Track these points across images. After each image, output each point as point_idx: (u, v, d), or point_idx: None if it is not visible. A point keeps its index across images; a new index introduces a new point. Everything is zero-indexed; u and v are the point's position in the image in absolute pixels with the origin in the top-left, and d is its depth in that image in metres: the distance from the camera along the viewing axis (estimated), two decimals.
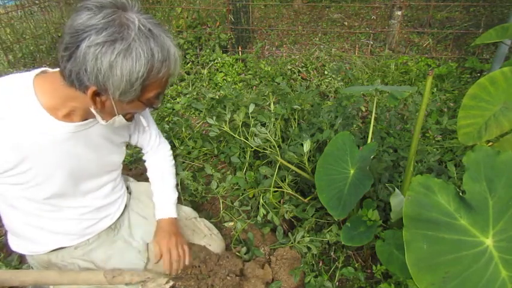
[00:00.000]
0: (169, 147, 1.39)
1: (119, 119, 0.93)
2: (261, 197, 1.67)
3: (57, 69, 0.89)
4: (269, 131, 1.66)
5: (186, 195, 1.82)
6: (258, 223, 1.68)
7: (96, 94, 0.81)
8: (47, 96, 0.87)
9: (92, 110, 0.88)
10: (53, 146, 0.93)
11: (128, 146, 1.33)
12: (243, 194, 1.77)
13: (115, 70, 0.76)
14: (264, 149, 1.74)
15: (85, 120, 0.96)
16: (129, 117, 0.97)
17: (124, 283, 1.13)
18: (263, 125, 1.85)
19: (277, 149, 1.69)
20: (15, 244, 1.15)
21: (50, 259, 1.15)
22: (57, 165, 0.97)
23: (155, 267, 1.27)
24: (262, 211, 1.62)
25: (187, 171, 1.86)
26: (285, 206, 1.66)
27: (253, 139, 1.66)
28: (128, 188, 1.40)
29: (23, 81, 0.87)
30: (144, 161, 1.38)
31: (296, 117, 2.00)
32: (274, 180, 1.68)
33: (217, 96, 2.23)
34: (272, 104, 1.91)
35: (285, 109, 1.95)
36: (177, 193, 1.35)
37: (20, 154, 0.89)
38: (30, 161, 0.91)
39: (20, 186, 0.95)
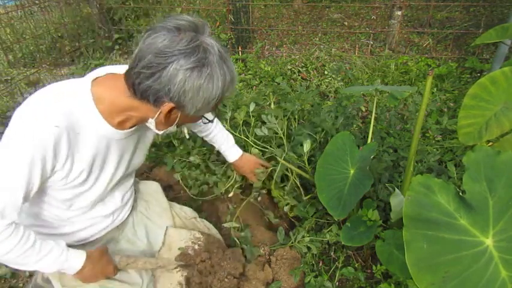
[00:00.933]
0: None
1: (171, 128, 0.98)
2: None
3: (111, 72, 0.94)
4: (277, 123, 1.67)
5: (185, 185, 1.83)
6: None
7: (170, 110, 0.86)
8: (105, 104, 0.91)
9: (152, 120, 0.92)
10: (108, 151, 0.99)
11: None
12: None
13: (200, 92, 0.82)
14: (264, 147, 1.74)
15: (133, 127, 1.00)
16: (179, 126, 1.02)
17: (137, 269, 1.20)
18: (263, 123, 1.85)
19: (284, 141, 1.69)
20: None
21: None
22: (106, 169, 1.03)
23: (167, 253, 1.31)
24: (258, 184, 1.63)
25: (186, 168, 1.86)
26: (286, 197, 1.65)
27: (261, 128, 1.66)
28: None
29: (81, 88, 0.90)
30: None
31: (296, 117, 2.00)
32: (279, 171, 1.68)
33: None
34: (272, 103, 1.91)
35: (295, 106, 1.95)
36: (231, 135, 1.55)
37: (84, 161, 0.94)
38: (89, 166, 0.97)
39: (77, 190, 1.00)
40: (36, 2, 3.75)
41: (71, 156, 0.90)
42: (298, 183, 1.69)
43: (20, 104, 0.88)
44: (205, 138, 1.51)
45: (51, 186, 0.94)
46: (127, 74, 0.85)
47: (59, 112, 0.85)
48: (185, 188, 1.79)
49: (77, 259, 1.01)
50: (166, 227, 1.36)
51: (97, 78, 0.93)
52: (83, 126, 0.90)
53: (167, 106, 0.84)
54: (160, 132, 0.97)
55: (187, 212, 1.50)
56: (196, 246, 1.36)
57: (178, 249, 1.33)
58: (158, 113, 0.87)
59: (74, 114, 0.87)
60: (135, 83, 0.83)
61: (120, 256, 1.17)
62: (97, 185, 1.04)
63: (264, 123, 1.74)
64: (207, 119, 1.03)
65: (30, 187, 0.86)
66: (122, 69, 0.93)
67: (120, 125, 0.96)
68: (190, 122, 1.02)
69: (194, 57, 0.79)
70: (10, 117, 0.86)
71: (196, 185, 1.80)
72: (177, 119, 0.91)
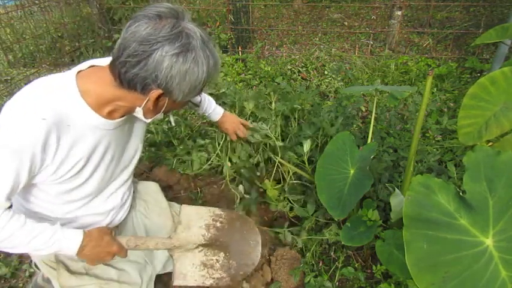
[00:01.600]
0: None
1: (159, 116, 0.99)
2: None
3: (94, 65, 0.94)
4: (269, 127, 1.66)
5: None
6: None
7: (158, 97, 0.87)
8: (92, 96, 0.91)
9: (139, 109, 0.92)
10: (99, 141, 0.99)
11: None
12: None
13: (187, 77, 0.84)
14: (265, 145, 1.74)
15: (123, 117, 1.01)
16: (166, 113, 1.02)
17: (148, 249, 1.15)
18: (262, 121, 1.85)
19: (278, 146, 1.69)
20: None
21: (58, 256, 1.15)
22: (100, 161, 1.02)
23: (184, 233, 1.21)
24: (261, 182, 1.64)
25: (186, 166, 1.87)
26: (286, 195, 1.65)
27: (253, 135, 1.66)
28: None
29: (67, 83, 0.90)
30: None
31: (296, 116, 2.00)
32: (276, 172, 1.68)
33: (217, 92, 2.22)
34: (273, 103, 1.91)
35: (286, 106, 1.95)
36: (211, 97, 1.53)
37: (77, 154, 0.93)
38: (83, 158, 0.96)
39: (70, 185, 0.99)
40: (36, 2, 3.74)
41: (61, 149, 0.89)
42: (292, 178, 1.69)
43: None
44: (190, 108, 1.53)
45: (44, 181, 0.94)
46: (112, 65, 0.86)
47: (47, 106, 0.85)
48: (185, 172, 1.78)
49: (73, 238, 0.98)
50: (181, 204, 1.31)
51: (81, 71, 0.94)
52: (72, 119, 0.90)
53: (155, 93, 0.85)
54: (148, 121, 0.98)
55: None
56: (218, 224, 1.26)
57: (199, 227, 1.22)
58: (146, 100, 0.88)
59: (63, 108, 0.88)
60: (121, 73, 0.83)
61: (128, 237, 1.11)
62: (92, 178, 1.03)
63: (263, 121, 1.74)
64: (193, 103, 1.04)
65: (18, 182, 0.85)
66: (104, 61, 0.94)
67: (109, 116, 0.96)
68: (178, 108, 1.02)
69: (178, 42, 0.80)
70: None
71: (198, 162, 1.81)
72: (165, 105, 0.92)
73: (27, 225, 0.91)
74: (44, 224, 0.94)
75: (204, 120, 2.40)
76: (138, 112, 0.94)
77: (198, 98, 1.04)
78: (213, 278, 1.19)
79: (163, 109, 0.94)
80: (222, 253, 1.22)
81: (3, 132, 0.82)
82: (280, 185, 1.74)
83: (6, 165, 0.82)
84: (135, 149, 1.19)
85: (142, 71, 0.82)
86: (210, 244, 1.22)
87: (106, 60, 0.94)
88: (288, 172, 1.70)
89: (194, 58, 0.83)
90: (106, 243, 1.06)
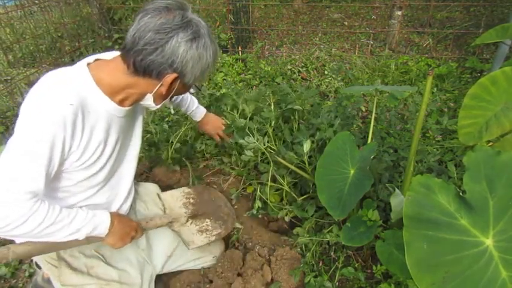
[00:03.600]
0: None
1: (167, 101, 1.05)
2: (258, 189, 1.67)
3: (99, 58, 1.00)
4: (260, 136, 1.63)
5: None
6: (253, 215, 1.70)
7: (172, 81, 0.94)
8: (106, 84, 0.96)
9: (149, 95, 0.98)
10: (112, 127, 1.03)
11: None
12: (242, 188, 1.78)
13: (199, 61, 0.93)
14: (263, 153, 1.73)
15: (132, 105, 1.05)
16: (172, 98, 1.08)
17: (156, 227, 1.32)
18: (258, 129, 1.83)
19: (275, 150, 1.68)
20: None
21: (59, 253, 1.16)
22: (114, 147, 1.07)
23: (172, 214, 1.42)
24: (258, 203, 1.62)
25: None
26: (286, 207, 1.65)
27: (245, 152, 1.60)
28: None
29: (81, 72, 0.95)
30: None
31: (296, 117, 2.00)
32: (276, 181, 1.67)
33: (217, 93, 2.22)
34: (273, 104, 1.90)
35: (283, 110, 1.94)
36: (193, 97, 1.61)
37: (96, 139, 0.98)
38: (102, 143, 1.01)
39: (88, 172, 1.03)
40: (36, 2, 3.74)
41: (85, 134, 0.94)
42: (289, 190, 1.67)
43: (22, 101, 0.90)
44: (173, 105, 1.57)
45: (67, 168, 0.97)
46: (125, 55, 0.91)
47: (72, 92, 0.89)
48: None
49: (103, 216, 1.04)
50: (157, 194, 1.46)
51: (89, 64, 0.98)
52: (92, 105, 0.94)
53: (170, 77, 0.92)
54: (157, 107, 1.03)
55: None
56: (191, 200, 1.50)
57: (179, 207, 1.44)
58: (159, 85, 0.94)
59: (83, 95, 0.92)
60: (136, 61, 0.89)
61: (139, 219, 1.25)
62: (107, 165, 1.07)
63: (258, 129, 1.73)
64: (197, 87, 1.14)
65: (52, 166, 0.89)
66: (107, 55, 1.00)
67: (120, 103, 1.01)
68: (183, 92, 1.10)
69: (190, 30, 0.89)
70: (10, 117, 0.87)
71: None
72: (174, 89, 0.98)
73: (64, 210, 0.95)
74: (74, 209, 0.99)
75: None
76: (148, 99, 1.00)
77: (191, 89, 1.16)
78: (214, 235, 1.44)
79: (172, 92, 1.00)
80: (207, 219, 1.47)
81: (33, 120, 0.85)
82: (279, 191, 1.73)
83: (41, 151, 0.85)
84: (136, 143, 1.23)
85: (159, 57, 0.88)
86: (194, 216, 1.45)
87: (109, 55, 1.01)
88: (284, 177, 1.69)
89: (204, 44, 0.92)
90: (127, 221, 1.14)
